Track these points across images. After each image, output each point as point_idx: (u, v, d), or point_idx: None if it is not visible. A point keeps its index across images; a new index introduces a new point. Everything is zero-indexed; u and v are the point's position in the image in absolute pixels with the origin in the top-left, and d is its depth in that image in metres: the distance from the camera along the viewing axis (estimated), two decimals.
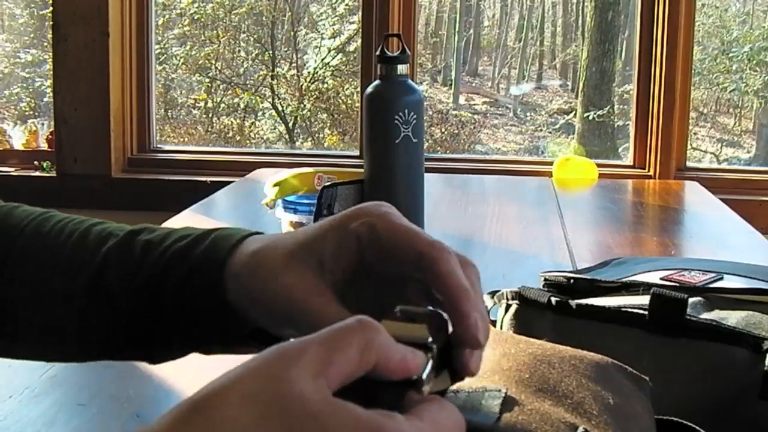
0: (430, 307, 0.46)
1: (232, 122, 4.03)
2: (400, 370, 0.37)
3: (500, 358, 0.52)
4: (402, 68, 1.13)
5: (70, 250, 0.57)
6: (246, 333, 0.53)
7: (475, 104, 4.88)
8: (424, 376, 0.38)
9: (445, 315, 0.44)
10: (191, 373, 0.77)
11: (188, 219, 1.52)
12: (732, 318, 0.65)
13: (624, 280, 0.77)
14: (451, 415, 0.38)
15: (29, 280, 0.57)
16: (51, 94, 2.52)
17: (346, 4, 4.04)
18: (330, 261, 0.48)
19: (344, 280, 0.49)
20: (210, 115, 4.01)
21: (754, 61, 4.10)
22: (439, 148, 4.42)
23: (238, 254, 0.52)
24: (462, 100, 4.82)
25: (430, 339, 0.40)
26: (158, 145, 2.60)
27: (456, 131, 4.62)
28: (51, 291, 0.56)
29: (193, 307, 0.53)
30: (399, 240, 0.47)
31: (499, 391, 0.47)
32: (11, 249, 0.57)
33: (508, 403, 0.47)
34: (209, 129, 3.99)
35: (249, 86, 4.02)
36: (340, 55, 4.08)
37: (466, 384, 0.46)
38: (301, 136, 4.17)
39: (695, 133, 4.46)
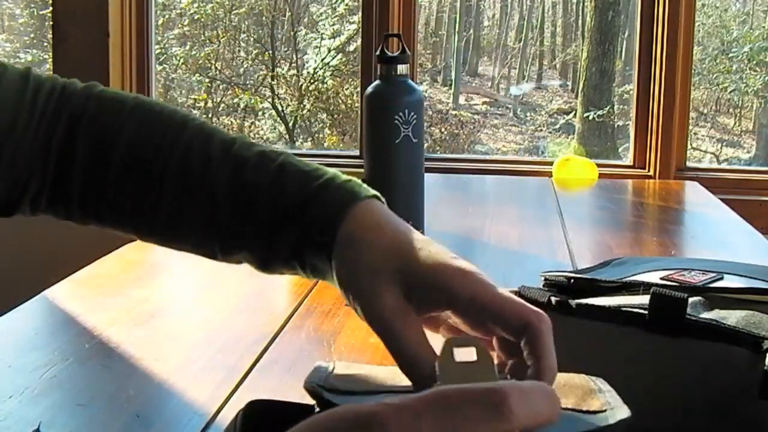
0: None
1: (232, 122, 4.03)
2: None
3: None
4: (402, 68, 1.13)
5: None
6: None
7: (475, 104, 4.89)
8: None
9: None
10: (191, 374, 0.77)
11: None
12: (732, 317, 0.65)
13: (624, 280, 0.77)
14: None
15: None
16: None
17: (346, 4, 4.05)
18: (421, 300, 0.55)
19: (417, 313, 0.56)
20: (210, 115, 4.00)
21: (754, 61, 4.11)
22: (439, 148, 4.42)
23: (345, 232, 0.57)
24: (462, 100, 4.83)
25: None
26: None
27: (456, 131, 4.63)
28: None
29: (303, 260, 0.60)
30: (505, 308, 0.54)
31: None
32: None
33: None
34: None
35: (249, 86, 4.02)
36: (340, 55, 4.08)
37: None
38: (301, 136, 4.17)
39: (695, 133, 4.46)
